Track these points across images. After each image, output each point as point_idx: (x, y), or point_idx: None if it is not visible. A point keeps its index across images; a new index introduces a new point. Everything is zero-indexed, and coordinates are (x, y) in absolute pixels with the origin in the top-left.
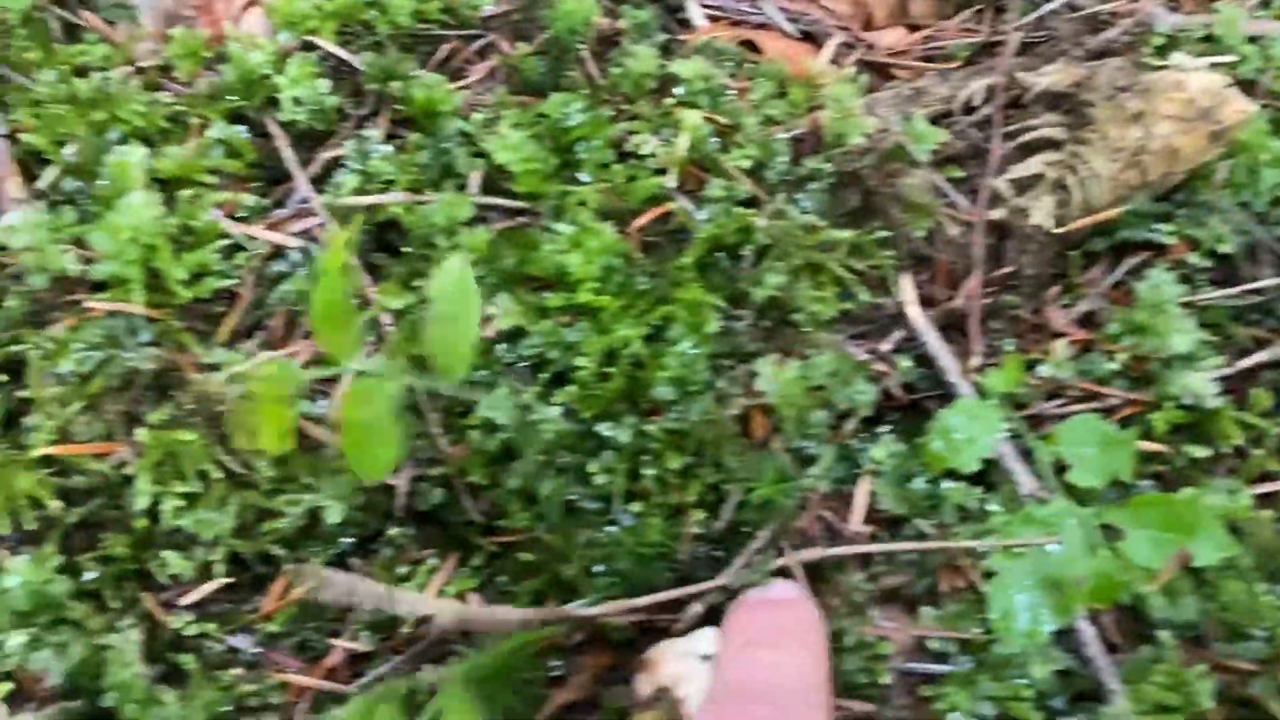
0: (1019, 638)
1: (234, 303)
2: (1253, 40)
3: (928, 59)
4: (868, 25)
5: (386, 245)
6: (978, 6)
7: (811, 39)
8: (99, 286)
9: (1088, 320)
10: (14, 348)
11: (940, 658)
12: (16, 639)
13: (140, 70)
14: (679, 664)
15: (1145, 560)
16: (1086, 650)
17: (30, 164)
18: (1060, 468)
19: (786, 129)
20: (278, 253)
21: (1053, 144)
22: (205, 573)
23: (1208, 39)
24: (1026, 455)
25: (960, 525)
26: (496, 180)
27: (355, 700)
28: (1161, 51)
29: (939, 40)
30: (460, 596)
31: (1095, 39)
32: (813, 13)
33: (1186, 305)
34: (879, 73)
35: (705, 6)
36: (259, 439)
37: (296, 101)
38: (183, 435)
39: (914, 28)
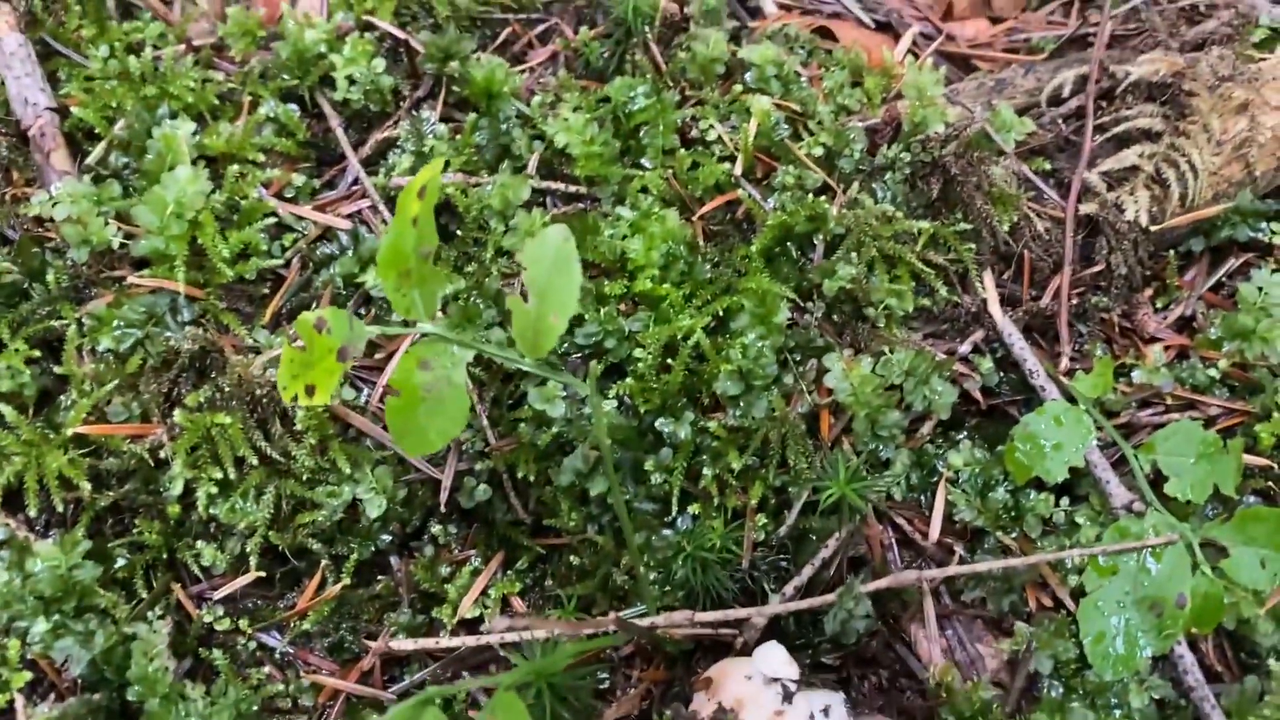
0: (1114, 663)
1: (279, 284)
2: None
3: (1011, 51)
4: (947, 16)
5: (438, 229)
6: (1062, 0)
7: (888, 29)
8: (141, 264)
9: (1184, 324)
10: (52, 323)
11: (1031, 682)
12: (40, 626)
13: (194, 48)
14: (743, 686)
15: (1252, 581)
16: (1187, 679)
17: (79, 139)
18: (1156, 479)
19: (861, 118)
20: (326, 234)
21: (1149, 136)
22: (239, 565)
23: None
24: (1118, 465)
25: (1044, 540)
26: (555, 164)
27: (399, 706)
28: (1264, 45)
29: (1023, 32)
30: (504, 600)
31: (1192, 30)
32: (889, 2)
33: None
34: (959, 64)
35: None
36: (306, 390)
37: (351, 81)
38: (220, 419)
39: (996, 20)
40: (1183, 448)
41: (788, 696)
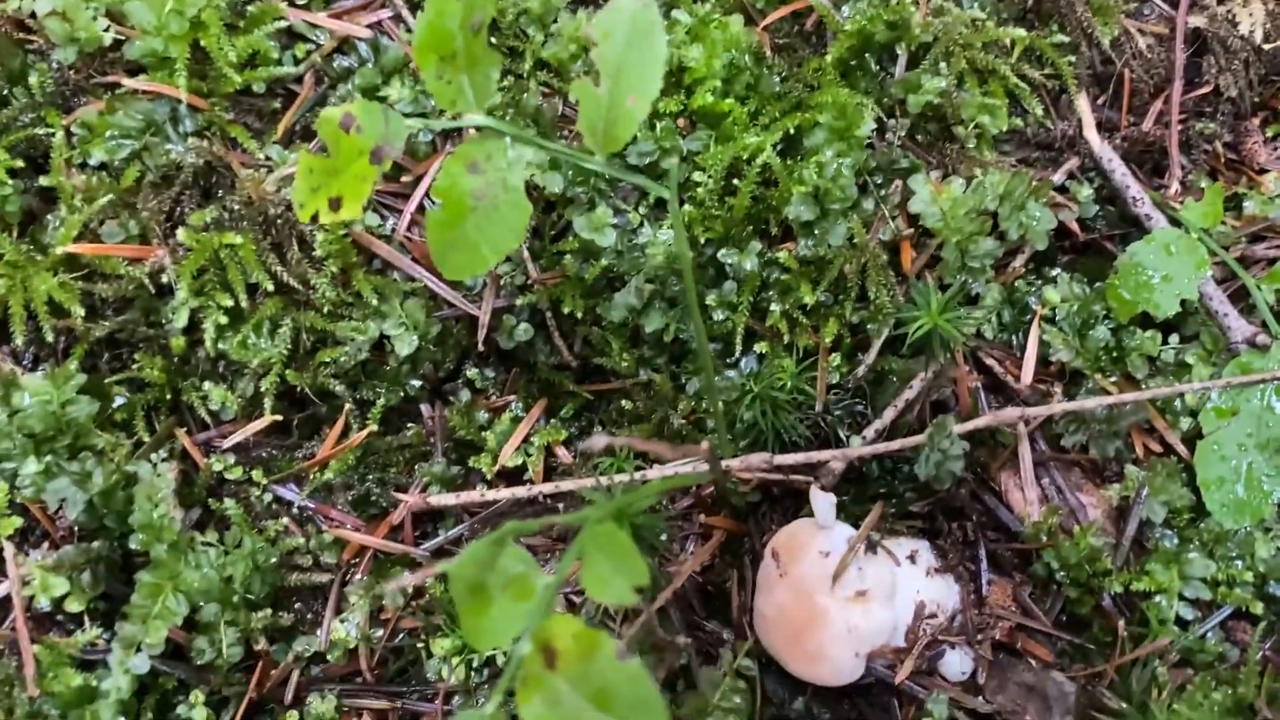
0: (1235, 510)
1: (291, 100)
2: None
3: None
4: None
5: None
6: None
7: None
8: (136, 69)
9: None
10: (36, 131)
11: (1142, 530)
12: (30, 467)
13: None
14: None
15: None
16: None
17: None
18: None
19: None
20: (344, 45)
21: None
22: (252, 409)
23: None
24: (1235, 299)
25: (1151, 382)
26: None
27: (475, 543)
28: None
29: None
30: (549, 450)
31: None
32: None
33: None
34: None
35: None
36: (330, 204)
37: None
38: (230, 239)
39: None
40: None
41: (871, 548)
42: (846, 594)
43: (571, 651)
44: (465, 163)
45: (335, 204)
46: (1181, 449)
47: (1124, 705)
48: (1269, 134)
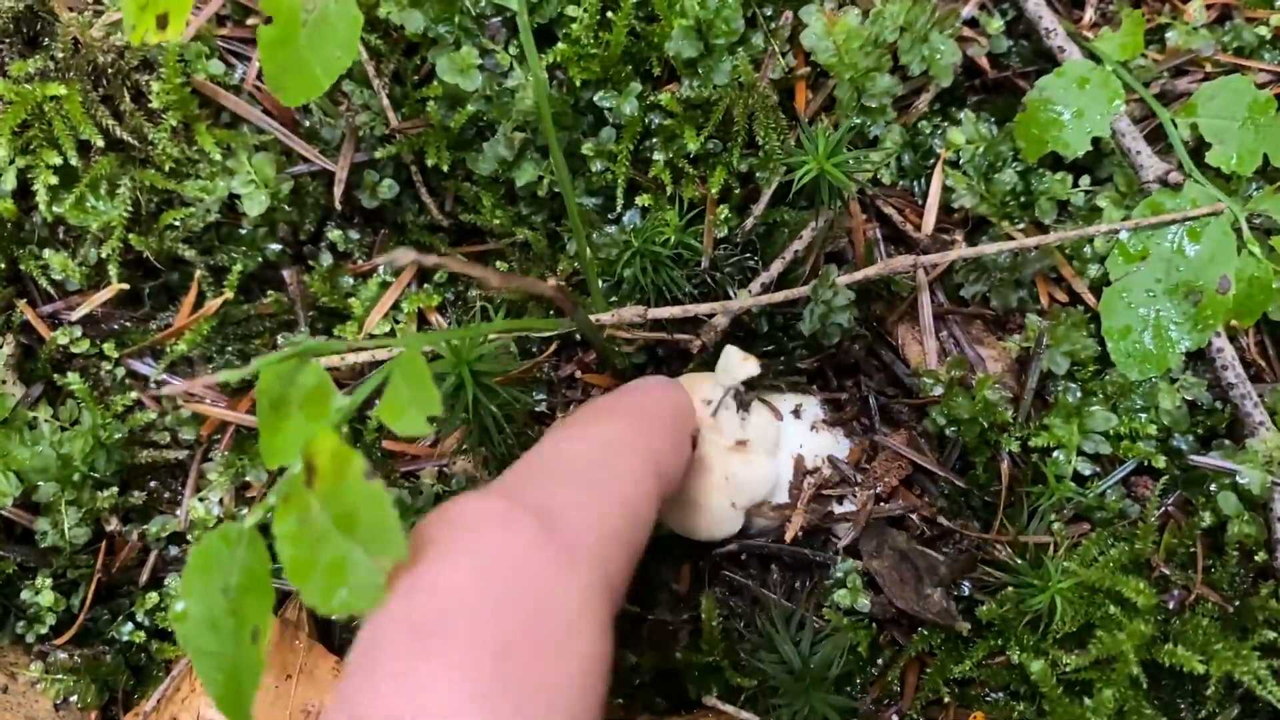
0: (1141, 361)
1: None
2: None
3: None
4: None
5: None
6: None
7: None
8: None
9: None
10: None
11: (1044, 384)
12: None
13: None
14: (701, 411)
15: None
16: (1225, 375)
17: None
18: (1197, 148)
19: None
20: None
21: None
22: (97, 278)
23: None
24: (1150, 139)
25: (1060, 226)
26: None
27: (267, 358)
28: None
29: None
30: (421, 316)
31: None
32: None
33: None
34: None
35: None
36: (157, 21)
37: None
38: (55, 89)
39: None
40: (1229, 109)
41: (743, 405)
42: (726, 443)
43: (328, 469)
44: None
45: (162, 22)
46: (1090, 298)
47: (1017, 561)
48: None
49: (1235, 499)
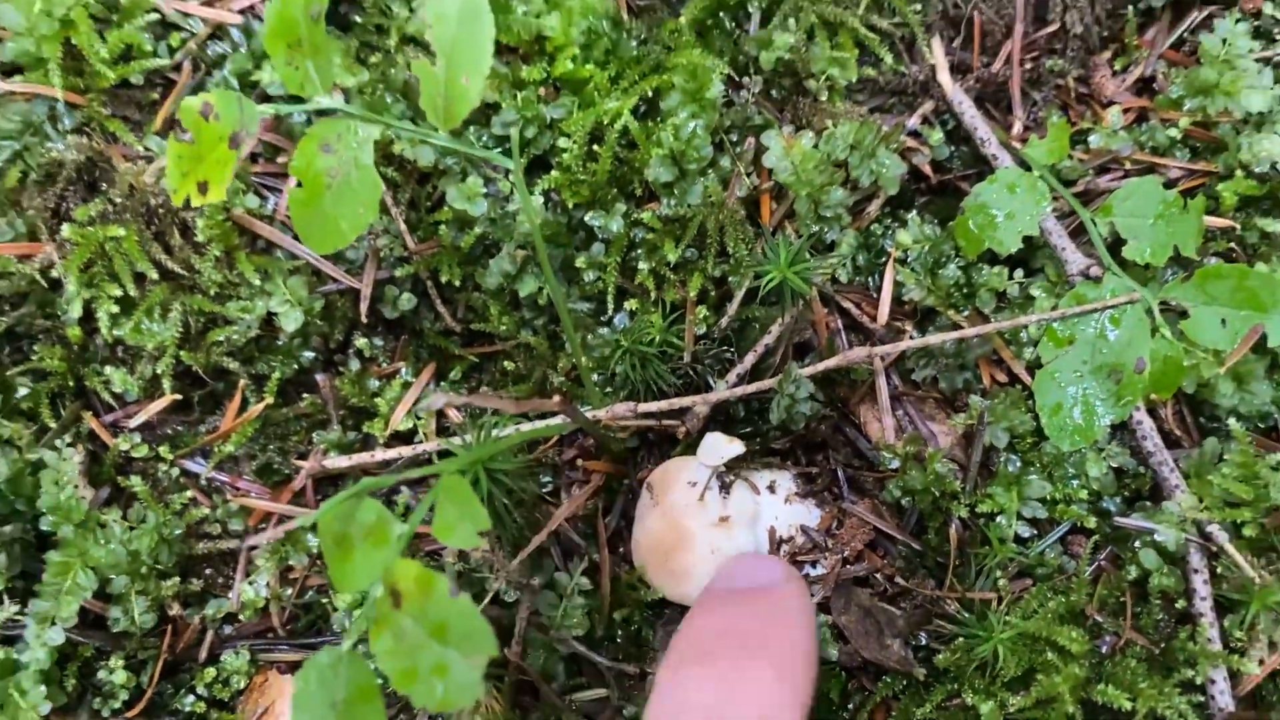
0: (1071, 433)
1: (170, 89)
2: None
3: None
4: None
5: (338, 19)
6: None
7: None
8: (12, 70)
9: (1144, 86)
10: None
11: (989, 456)
12: None
13: None
14: (688, 494)
15: (1212, 341)
16: (1145, 444)
17: None
18: (1115, 243)
19: None
20: (218, 32)
21: None
22: (153, 389)
23: None
24: (1075, 234)
25: (998, 315)
26: None
27: (331, 500)
28: None
29: None
30: (439, 413)
31: None
32: None
33: (1263, 61)
34: None
35: None
36: (191, 189)
37: None
38: (114, 232)
39: None
40: (1142, 208)
41: (725, 488)
42: (711, 519)
43: (413, 592)
44: (318, 143)
45: (203, 188)
46: (1026, 378)
47: (965, 615)
48: (1117, 67)
49: (1155, 555)
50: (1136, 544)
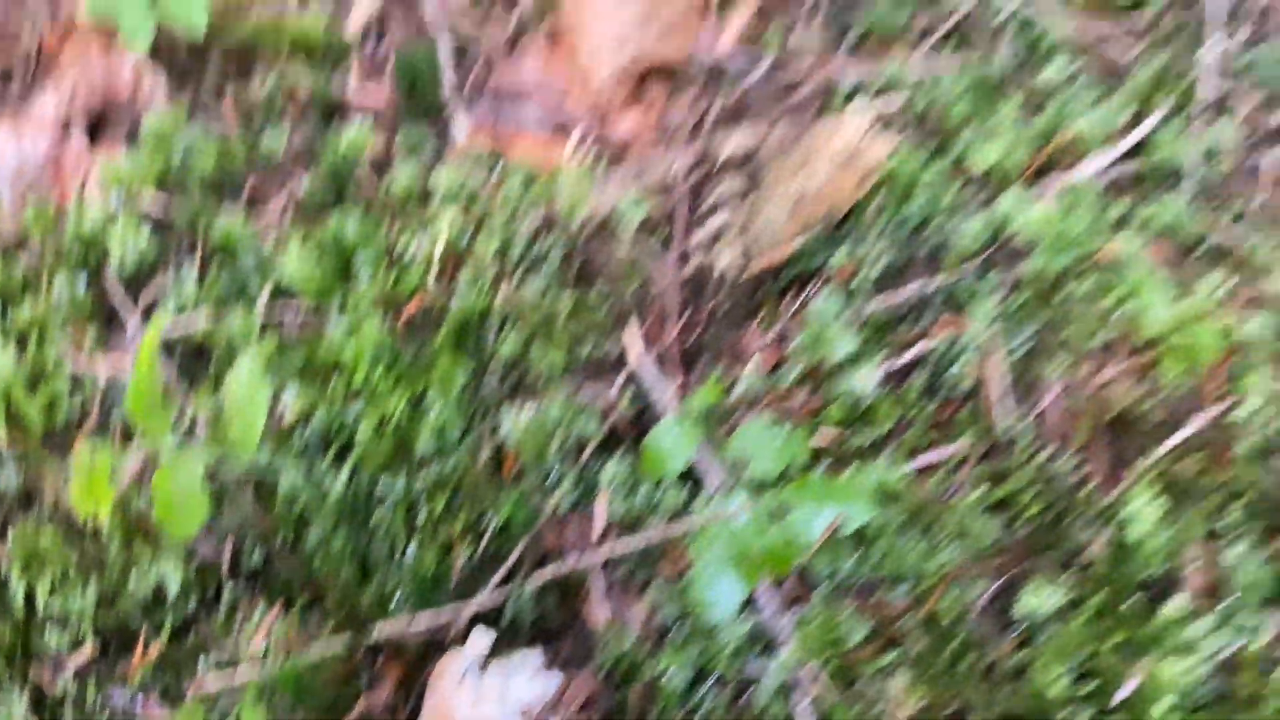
0: (718, 607)
1: (83, 423)
2: (920, 82)
3: (659, 136)
4: (608, 112)
5: (201, 358)
6: (701, 83)
7: (564, 131)
8: None
9: (781, 341)
10: None
11: (663, 632)
12: None
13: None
14: (453, 685)
15: (806, 529)
16: (765, 611)
17: None
18: (746, 464)
19: (529, 217)
20: (115, 380)
21: (738, 198)
22: (80, 643)
23: (886, 86)
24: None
25: (675, 521)
26: (291, 290)
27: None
28: (848, 99)
29: (669, 117)
30: (286, 636)
31: (786, 101)
32: (564, 109)
33: (852, 318)
34: (618, 154)
35: (473, 116)
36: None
37: (124, 252)
38: (46, 535)
39: (650, 107)
40: (759, 438)
41: (485, 672)
42: (475, 705)
43: None
44: (167, 470)
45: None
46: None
47: None
48: (764, 328)
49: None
50: None
